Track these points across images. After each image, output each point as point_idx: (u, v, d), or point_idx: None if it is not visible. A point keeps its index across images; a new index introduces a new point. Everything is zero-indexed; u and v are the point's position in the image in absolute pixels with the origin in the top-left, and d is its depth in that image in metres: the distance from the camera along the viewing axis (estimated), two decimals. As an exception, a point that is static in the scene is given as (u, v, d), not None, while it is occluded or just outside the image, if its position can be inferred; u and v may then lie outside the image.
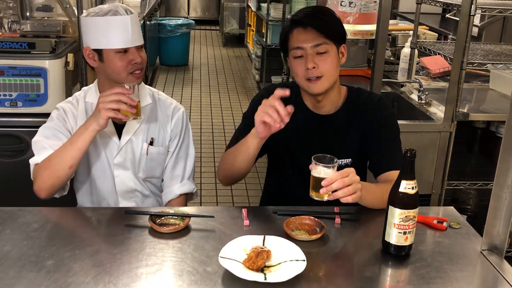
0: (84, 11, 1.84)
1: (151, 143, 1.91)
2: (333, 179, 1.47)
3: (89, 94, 1.91)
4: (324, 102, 1.84)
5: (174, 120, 1.96)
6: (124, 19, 1.75)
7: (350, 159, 1.85)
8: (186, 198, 2.01)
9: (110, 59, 1.78)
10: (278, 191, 1.98)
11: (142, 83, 1.95)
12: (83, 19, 1.81)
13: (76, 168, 1.76)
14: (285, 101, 1.86)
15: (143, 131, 1.91)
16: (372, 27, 3.22)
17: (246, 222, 1.62)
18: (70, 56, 2.51)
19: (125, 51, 1.78)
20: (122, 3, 4.25)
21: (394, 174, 1.72)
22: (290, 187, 1.92)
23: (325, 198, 1.50)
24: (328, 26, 1.76)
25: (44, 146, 1.78)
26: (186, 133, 2.00)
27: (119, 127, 1.89)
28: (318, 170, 1.51)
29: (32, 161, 1.79)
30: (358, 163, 1.86)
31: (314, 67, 1.73)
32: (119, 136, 1.88)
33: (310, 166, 1.53)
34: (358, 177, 1.52)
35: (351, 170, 1.52)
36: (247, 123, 1.84)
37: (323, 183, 1.48)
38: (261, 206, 2.02)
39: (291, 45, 1.77)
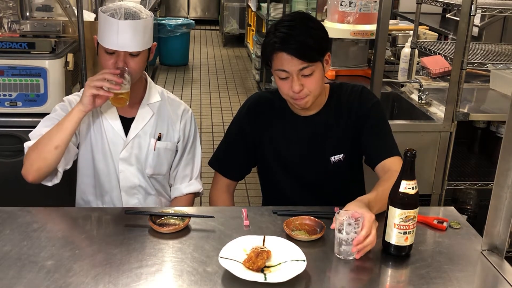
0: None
1: (159, 139, 1.94)
2: (360, 240, 1.41)
3: None
4: (311, 107, 1.82)
5: (184, 121, 1.99)
6: (116, 22, 1.73)
7: (342, 155, 1.85)
8: (193, 197, 2.07)
9: (101, 54, 1.82)
10: (275, 195, 1.99)
11: (152, 81, 2.00)
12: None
13: (63, 151, 1.75)
14: (269, 107, 1.87)
15: (151, 127, 1.93)
16: (372, 27, 3.21)
17: (246, 222, 1.62)
18: (70, 56, 2.50)
19: (113, 52, 1.78)
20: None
21: (390, 162, 1.74)
22: (285, 192, 1.93)
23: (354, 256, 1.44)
24: (312, 49, 1.67)
25: (41, 132, 1.80)
26: (195, 135, 2.05)
27: (127, 123, 1.91)
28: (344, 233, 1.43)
29: (26, 144, 1.82)
30: (351, 158, 1.87)
31: (301, 90, 1.70)
32: (127, 132, 1.90)
33: (333, 226, 1.45)
34: (376, 223, 1.46)
35: (373, 220, 1.44)
36: (230, 139, 1.96)
37: (354, 242, 1.41)
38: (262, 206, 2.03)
39: (275, 66, 1.71)
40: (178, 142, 1.99)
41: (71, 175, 2.00)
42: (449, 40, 3.84)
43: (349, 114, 1.84)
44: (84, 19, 2.54)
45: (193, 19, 8.27)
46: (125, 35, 1.74)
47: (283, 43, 1.66)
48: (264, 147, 1.90)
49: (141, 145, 1.92)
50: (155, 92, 1.97)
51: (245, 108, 1.95)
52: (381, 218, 1.51)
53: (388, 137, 1.82)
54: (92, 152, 1.90)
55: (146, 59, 1.85)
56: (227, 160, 1.98)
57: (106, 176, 1.92)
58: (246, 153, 1.94)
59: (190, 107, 2.08)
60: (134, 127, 1.90)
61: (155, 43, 1.89)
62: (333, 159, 1.85)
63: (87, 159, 1.92)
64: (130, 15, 1.75)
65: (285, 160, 1.89)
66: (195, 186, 2.04)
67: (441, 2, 2.76)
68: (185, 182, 2.02)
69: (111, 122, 1.89)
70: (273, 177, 1.94)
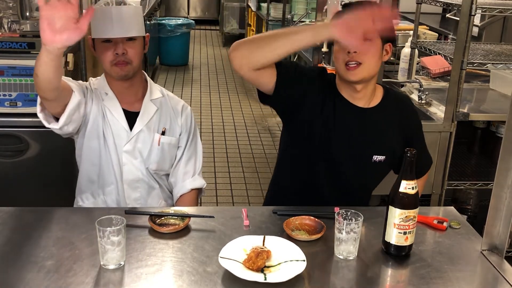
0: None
1: (163, 133, 1.97)
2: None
3: (97, 81, 1.96)
4: (361, 94, 1.78)
5: (184, 116, 2.03)
6: (109, 9, 1.79)
7: (384, 157, 1.82)
8: (198, 194, 2.08)
9: (99, 48, 1.85)
10: (295, 180, 1.90)
11: (151, 80, 2.03)
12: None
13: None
14: (321, 89, 1.81)
15: (155, 122, 1.96)
16: (372, 27, 3.20)
17: (246, 222, 1.62)
18: (70, 56, 2.50)
19: (110, 41, 1.81)
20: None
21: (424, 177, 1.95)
22: (317, 178, 1.84)
23: None
24: None
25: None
26: (195, 130, 2.08)
27: (131, 117, 1.93)
28: None
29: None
30: (390, 163, 1.86)
31: (355, 52, 1.69)
32: (131, 126, 1.92)
33: None
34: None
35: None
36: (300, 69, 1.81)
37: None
38: (268, 202, 2.00)
39: None
40: (180, 136, 2.01)
41: (71, 175, 2.00)
42: (449, 40, 3.83)
43: (402, 120, 1.86)
44: (84, 19, 2.53)
45: (193, 19, 8.28)
46: (120, 22, 1.79)
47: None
48: (314, 125, 1.80)
49: (145, 140, 1.94)
50: (156, 89, 2.02)
51: (317, 69, 1.88)
52: (381, 218, 1.51)
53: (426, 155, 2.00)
54: (98, 140, 1.91)
55: (142, 48, 1.90)
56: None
57: (110, 168, 1.93)
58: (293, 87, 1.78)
59: (190, 107, 2.10)
60: (140, 122, 1.93)
61: (148, 34, 1.93)
62: (375, 158, 1.82)
63: (93, 147, 1.92)
64: (121, 3, 1.83)
65: (330, 144, 1.80)
66: (199, 181, 2.05)
67: (441, 2, 2.76)
68: (188, 178, 2.04)
69: (115, 114, 1.91)
70: (304, 160, 1.84)
